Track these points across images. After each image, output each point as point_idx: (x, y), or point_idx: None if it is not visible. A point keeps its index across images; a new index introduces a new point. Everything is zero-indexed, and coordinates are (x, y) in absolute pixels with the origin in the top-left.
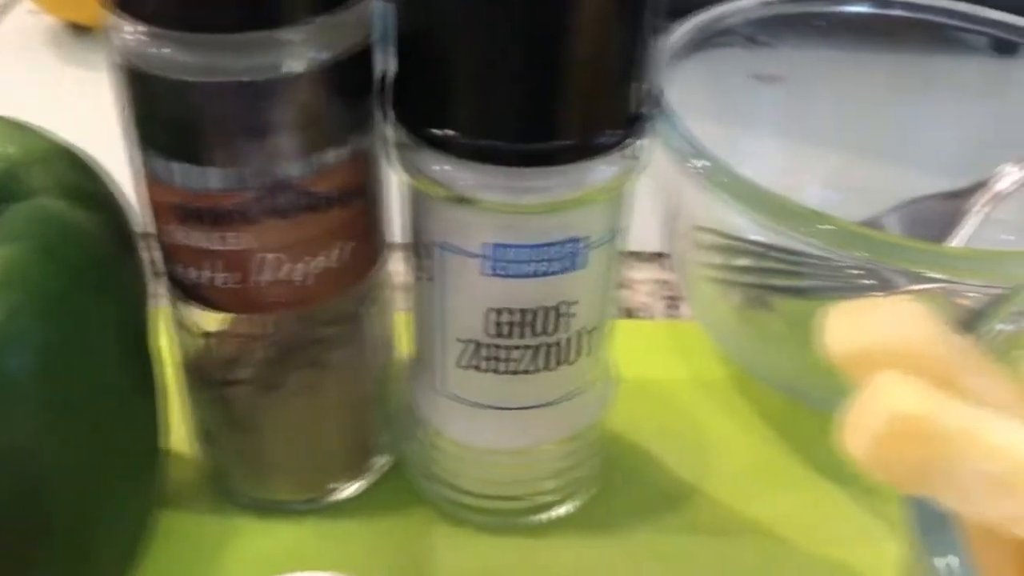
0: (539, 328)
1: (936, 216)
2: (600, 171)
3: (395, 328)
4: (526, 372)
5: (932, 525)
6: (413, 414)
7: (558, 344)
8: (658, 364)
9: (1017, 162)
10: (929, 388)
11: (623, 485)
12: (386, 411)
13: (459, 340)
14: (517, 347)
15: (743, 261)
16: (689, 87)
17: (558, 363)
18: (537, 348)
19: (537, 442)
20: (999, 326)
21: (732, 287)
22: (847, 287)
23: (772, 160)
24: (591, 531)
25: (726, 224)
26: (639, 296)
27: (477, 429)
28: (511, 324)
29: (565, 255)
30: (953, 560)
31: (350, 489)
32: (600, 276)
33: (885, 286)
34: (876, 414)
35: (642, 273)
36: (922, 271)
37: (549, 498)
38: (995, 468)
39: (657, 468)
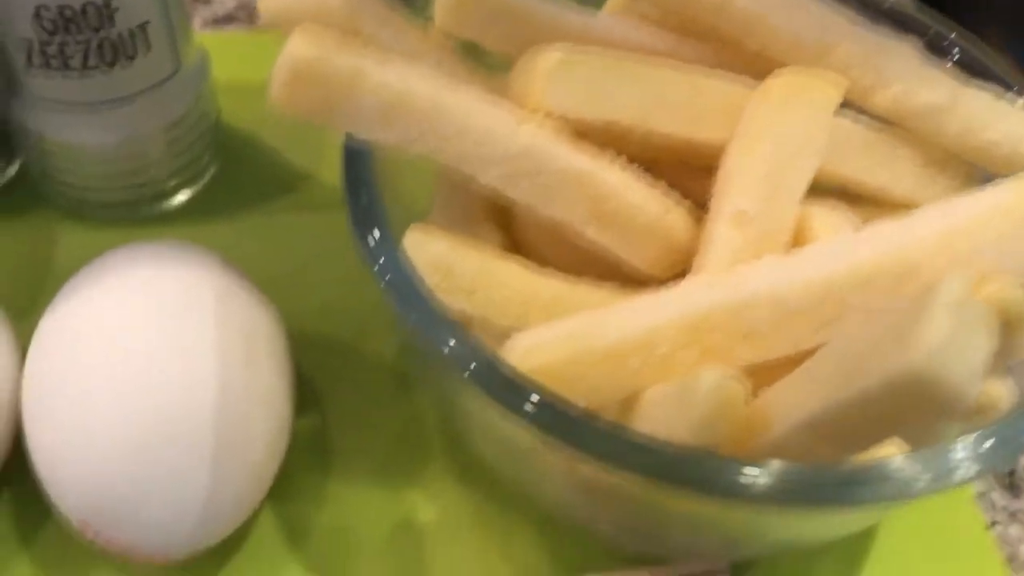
0: (91, 23)
1: None
2: None
3: None
4: (94, 68)
5: (356, 159)
6: (19, 123)
7: (110, 39)
8: None
9: None
10: (333, 36)
11: (238, 172)
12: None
13: (20, 38)
14: (68, 44)
15: None
16: None
17: (115, 59)
18: (88, 43)
19: (130, 135)
20: None
21: None
22: None
23: None
24: (208, 216)
25: None
26: None
27: (70, 128)
28: (55, 20)
29: None
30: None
31: None
32: None
33: None
34: (282, 62)
35: None
36: None
37: (164, 186)
38: (380, 100)
39: (272, 154)
